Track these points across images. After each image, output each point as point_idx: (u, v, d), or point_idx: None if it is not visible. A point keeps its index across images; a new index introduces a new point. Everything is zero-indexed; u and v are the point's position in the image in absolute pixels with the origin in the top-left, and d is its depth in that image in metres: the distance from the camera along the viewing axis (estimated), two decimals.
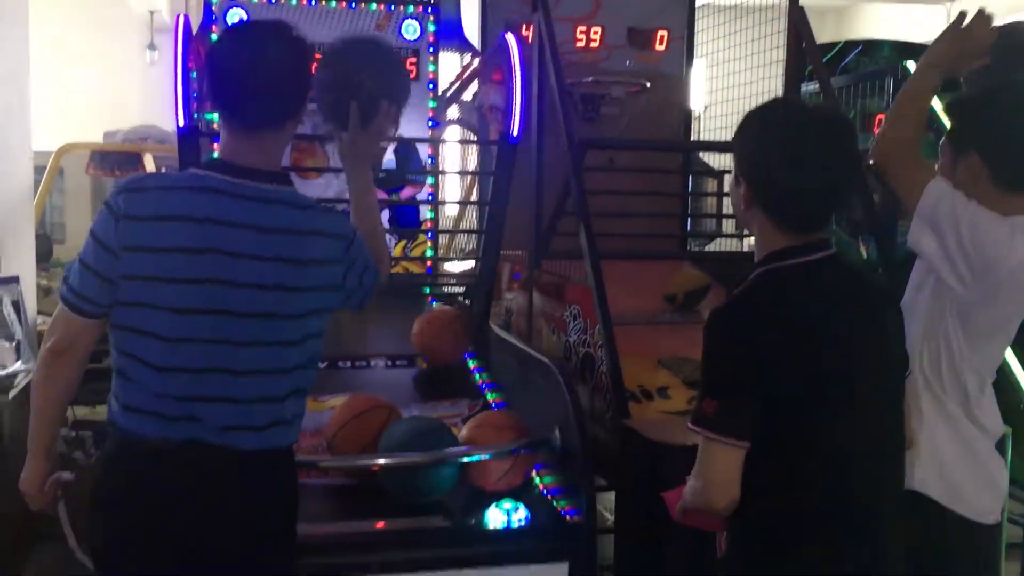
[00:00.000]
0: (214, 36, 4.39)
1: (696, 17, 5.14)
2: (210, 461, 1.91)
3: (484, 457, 2.70)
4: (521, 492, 2.75)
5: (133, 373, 1.91)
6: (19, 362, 4.13)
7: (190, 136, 3.17)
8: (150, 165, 6.11)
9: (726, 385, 1.73)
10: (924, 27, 13.27)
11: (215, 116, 4.40)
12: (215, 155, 2.06)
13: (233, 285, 1.89)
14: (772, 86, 4.49)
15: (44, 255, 5.86)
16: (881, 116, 4.51)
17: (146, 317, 1.89)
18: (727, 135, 4.92)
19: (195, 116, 3.78)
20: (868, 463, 1.79)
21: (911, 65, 4.15)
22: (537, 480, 2.94)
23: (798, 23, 4.09)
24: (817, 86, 4.20)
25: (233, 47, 1.98)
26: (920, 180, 2.12)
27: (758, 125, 1.83)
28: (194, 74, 3.65)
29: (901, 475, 1.91)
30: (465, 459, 2.71)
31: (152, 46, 12.12)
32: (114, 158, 6.34)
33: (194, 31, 4.08)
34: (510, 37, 3.57)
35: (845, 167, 1.78)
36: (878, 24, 14.18)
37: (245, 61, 1.92)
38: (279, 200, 1.94)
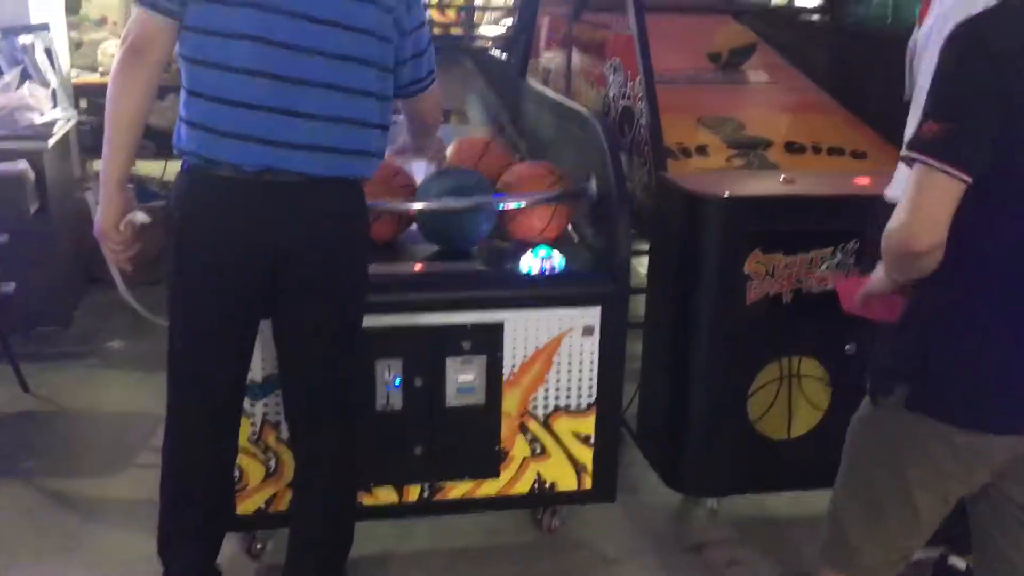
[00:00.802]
0: None
1: None
2: (288, 190, 1.96)
3: (520, 204, 2.71)
4: (557, 241, 2.78)
5: (215, 86, 1.91)
6: (57, 109, 4.13)
7: None
8: None
9: (960, 107, 1.52)
10: None
11: None
12: None
13: (316, 21, 1.91)
14: None
15: (73, 6, 5.72)
16: None
17: (227, 18, 1.89)
18: None
19: None
20: None
21: None
22: (573, 231, 2.97)
23: None
24: None
25: None
26: None
27: None
28: None
29: None
30: (501, 206, 2.72)
31: None
32: None
33: None
34: None
35: None
36: None
37: None
38: None
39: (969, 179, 1.50)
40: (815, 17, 4.24)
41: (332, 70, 1.95)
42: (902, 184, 1.63)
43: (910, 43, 2.20)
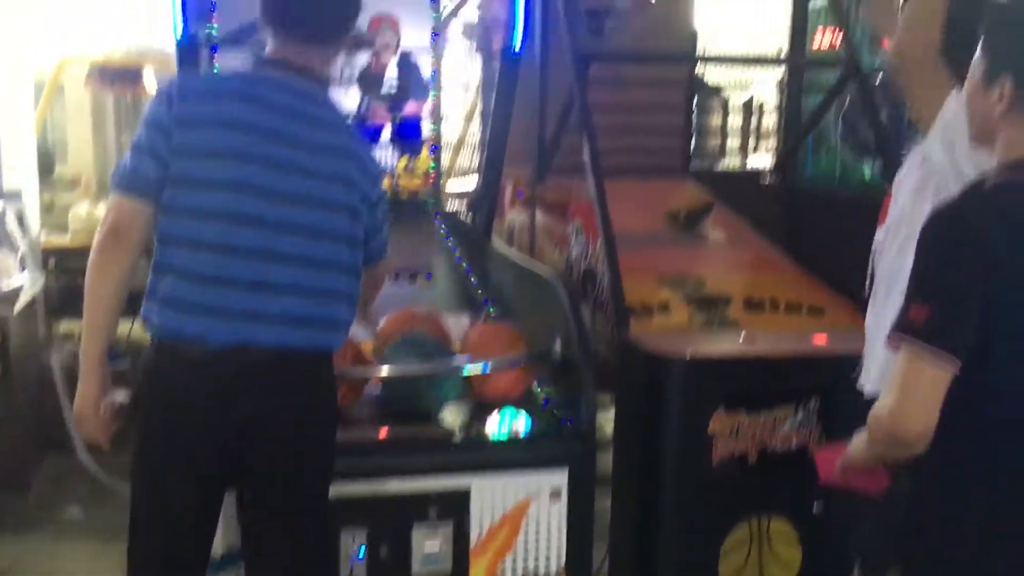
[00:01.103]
0: None
1: None
2: (259, 363, 1.97)
3: (485, 368, 2.73)
4: (522, 402, 2.79)
5: (186, 262, 1.94)
6: (24, 273, 4.15)
7: (189, 48, 3.13)
8: (151, 79, 6.04)
9: (946, 289, 1.50)
10: None
11: (215, 28, 4.34)
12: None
13: (282, 167, 1.96)
14: (780, 7, 4.40)
15: (45, 170, 5.84)
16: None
17: (199, 196, 1.94)
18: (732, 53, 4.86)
19: (194, 28, 3.73)
20: None
21: None
22: (538, 390, 2.98)
23: None
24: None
25: None
26: (934, 98, 2.04)
27: None
28: None
29: None
30: (466, 370, 2.74)
31: None
32: (114, 73, 6.26)
33: None
34: None
35: None
36: None
37: None
38: (324, 100, 2.08)
39: (959, 364, 1.48)
40: (767, 180, 4.42)
41: (304, 245, 1.99)
42: (881, 373, 1.63)
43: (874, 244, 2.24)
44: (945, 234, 1.53)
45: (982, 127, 1.66)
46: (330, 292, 2.05)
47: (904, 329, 1.51)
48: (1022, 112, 1.57)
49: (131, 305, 2.04)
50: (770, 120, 5.16)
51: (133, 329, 4.95)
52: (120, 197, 1.96)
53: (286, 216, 1.97)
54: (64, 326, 4.77)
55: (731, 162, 5.21)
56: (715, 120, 5.78)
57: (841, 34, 3.85)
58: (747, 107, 5.76)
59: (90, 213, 5.44)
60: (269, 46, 2.06)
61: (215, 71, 2.19)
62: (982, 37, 1.63)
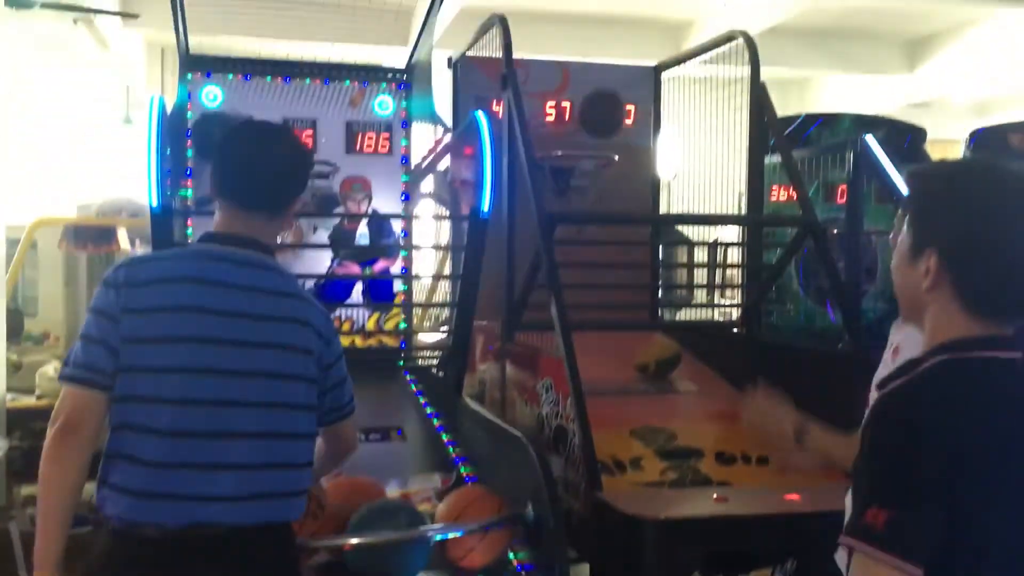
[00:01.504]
0: (189, 115, 4.45)
1: (663, 91, 5.28)
2: (215, 544, 1.92)
3: (457, 535, 2.70)
4: (496, 568, 2.74)
5: (138, 448, 1.91)
6: None
7: (163, 215, 3.20)
8: (123, 239, 6.12)
9: (904, 490, 1.37)
10: (884, 97, 13.67)
11: (189, 192, 4.46)
12: (212, 229, 2.15)
13: (236, 344, 1.96)
14: (739, 158, 4.59)
15: (15, 329, 5.82)
16: (843, 187, 4.63)
17: (151, 382, 1.92)
18: (695, 205, 5.03)
19: (168, 194, 3.82)
20: None
21: (870, 139, 4.28)
22: (512, 555, 2.93)
23: (760, 98, 4.22)
24: (779, 158, 4.32)
25: (245, 142, 2.17)
26: None
27: (963, 188, 1.50)
28: (168, 151, 3.71)
29: None
30: (438, 537, 2.70)
31: (128, 119, 12.19)
32: (88, 232, 6.33)
33: (168, 109, 4.14)
34: (480, 115, 3.66)
35: None
36: (840, 94, 14.56)
37: (255, 153, 2.11)
38: (272, 267, 2.10)
39: (920, 573, 1.35)
40: (734, 330, 4.50)
41: (261, 419, 1.98)
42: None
43: None
44: (897, 428, 1.42)
45: (910, 303, 1.56)
46: (287, 463, 2.02)
47: (860, 535, 1.38)
48: (949, 288, 1.47)
49: (91, 466, 2.01)
50: (735, 258, 5.29)
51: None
52: (73, 389, 1.94)
53: (240, 393, 1.95)
54: (26, 490, 4.65)
55: (698, 313, 5.29)
56: (682, 266, 5.91)
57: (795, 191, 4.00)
58: (712, 248, 5.89)
59: (58, 369, 5.39)
60: (216, 216, 2.11)
61: (163, 253, 2.22)
62: (907, 209, 1.56)
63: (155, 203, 3.19)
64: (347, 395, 2.21)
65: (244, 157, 2.11)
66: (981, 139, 5.84)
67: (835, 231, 4.58)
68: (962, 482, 1.37)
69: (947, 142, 11.22)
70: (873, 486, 1.40)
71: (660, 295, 4.99)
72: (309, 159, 2.27)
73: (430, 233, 4.95)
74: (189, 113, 4.47)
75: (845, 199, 4.49)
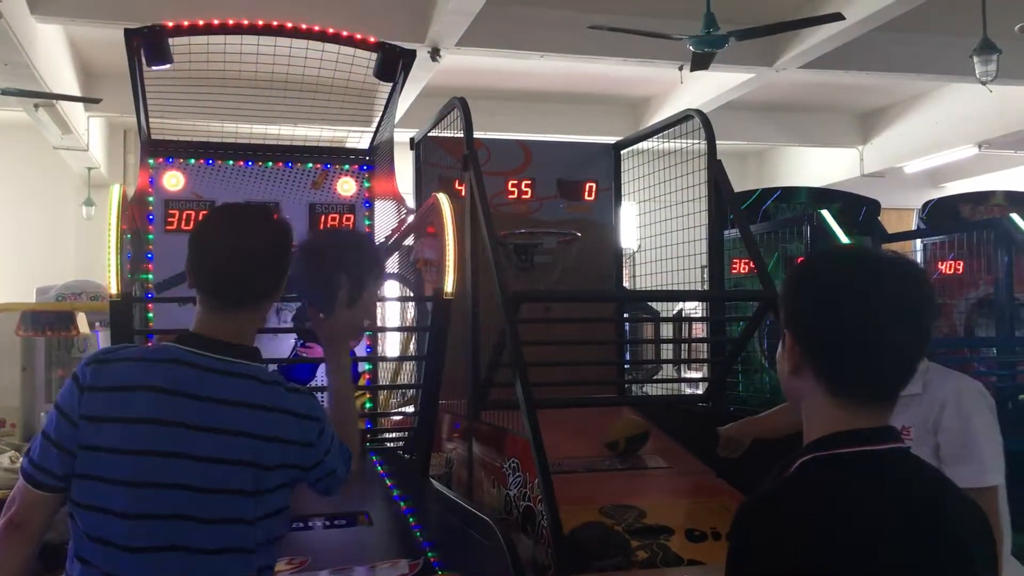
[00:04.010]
0: (151, 199, 4.44)
1: (623, 167, 5.37)
2: None
3: None
4: None
5: (92, 555, 1.85)
6: None
7: (123, 304, 3.17)
8: (83, 324, 6.04)
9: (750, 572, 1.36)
10: (841, 167, 14.02)
11: (151, 276, 4.42)
12: (192, 328, 2.02)
13: (193, 458, 1.86)
14: (700, 232, 4.66)
15: None
16: (800, 259, 4.70)
17: (103, 492, 1.85)
18: (659, 279, 5.07)
19: (129, 278, 3.79)
20: None
21: (825, 213, 4.38)
22: None
23: (717, 175, 4.30)
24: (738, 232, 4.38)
25: (220, 229, 2.04)
26: None
27: (817, 274, 1.46)
28: (128, 237, 3.68)
29: None
30: None
31: (89, 202, 12.17)
32: (46, 317, 6.26)
33: (130, 195, 4.13)
34: (441, 197, 3.69)
35: (927, 325, 1.42)
36: (798, 165, 14.92)
37: (231, 241, 1.98)
38: (246, 374, 1.94)
39: None
40: (700, 404, 4.50)
41: (210, 535, 1.87)
42: None
43: None
44: (747, 540, 1.39)
45: (788, 395, 1.50)
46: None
47: None
48: (810, 373, 1.42)
49: (53, 560, 1.95)
50: (700, 332, 5.33)
51: None
52: (26, 485, 1.90)
53: (193, 507, 1.86)
54: None
55: (665, 388, 5.30)
56: (647, 342, 5.94)
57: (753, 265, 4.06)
58: (677, 322, 5.94)
59: (14, 459, 5.28)
60: (197, 311, 1.99)
61: (133, 352, 2.08)
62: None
63: (115, 290, 3.16)
64: (337, 478, 2.07)
65: (222, 250, 1.99)
66: (933, 209, 5.99)
67: None
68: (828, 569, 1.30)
69: (902, 211, 11.51)
70: (731, 563, 1.37)
71: (627, 370, 4.99)
72: (289, 241, 2.08)
73: (396, 313, 4.93)
74: (151, 198, 4.46)
75: None
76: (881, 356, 1.37)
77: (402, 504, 3.84)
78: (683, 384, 5.06)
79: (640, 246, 5.79)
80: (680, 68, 8.49)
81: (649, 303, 6.40)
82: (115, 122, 12.28)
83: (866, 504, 1.34)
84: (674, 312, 6.44)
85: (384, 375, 5.03)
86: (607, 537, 3.20)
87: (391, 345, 5.06)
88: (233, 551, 1.89)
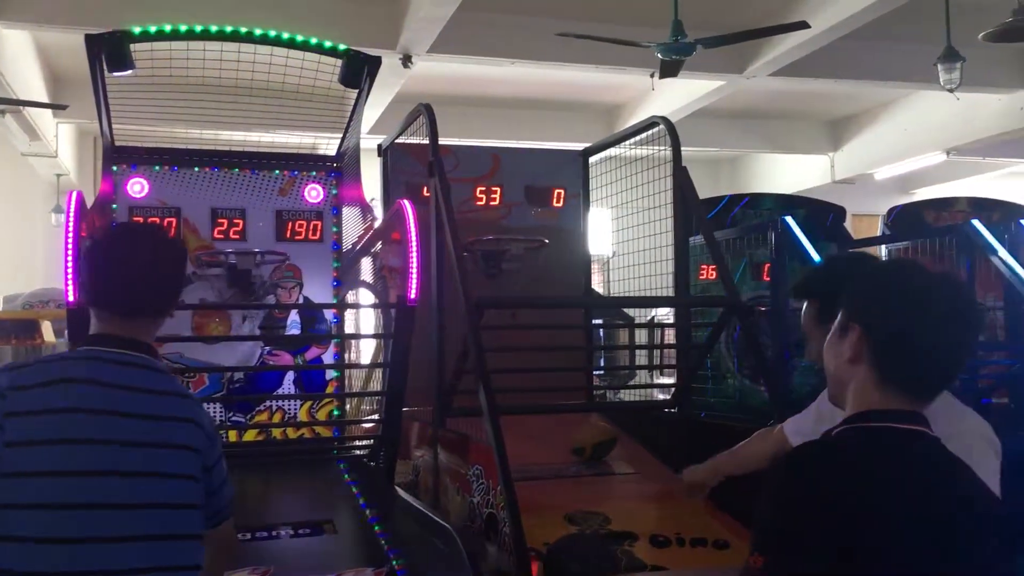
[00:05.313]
0: (115, 206, 4.40)
1: (591, 174, 5.38)
2: None
3: None
4: None
5: (12, 555, 1.84)
6: None
7: (79, 310, 3.13)
8: (48, 331, 5.98)
9: (782, 541, 1.49)
10: (811, 174, 14.13)
11: None
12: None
13: (113, 444, 1.91)
14: (668, 240, 4.66)
15: None
16: (767, 265, 4.74)
17: (27, 487, 1.86)
18: (632, 284, 5.08)
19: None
20: None
21: (789, 220, 4.41)
22: None
23: (682, 182, 4.32)
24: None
25: (114, 244, 2.14)
26: None
27: (892, 277, 1.69)
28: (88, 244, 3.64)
29: None
30: None
31: (58, 208, 12.05)
32: (10, 326, 6.19)
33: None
34: (405, 203, 3.68)
35: (974, 338, 1.66)
36: (769, 172, 15.02)
37: (123, 257, 2.07)
38: (150, 367, 2.05)
39: None
40: (668, 410, 4.51)
41: (137, 520, 1.92)
42: None
43: None
44: (788, 482, 1.55)
45: (836, 380, 1.68)
46: (173, 566, 1.95)
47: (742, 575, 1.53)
48: (866, 361, 1.60)
49: None
50: (671, 338, 5.33)
51: None
52: None
53: (118, 494, 1.90)
54: None
55: (634, 394, 5.31)
56: (615, 348, 5.95)
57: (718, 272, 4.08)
58: (650, 328, 5.94)
59: None
60: (93, 320, 2.07)
61: (46, 357, 2.19)
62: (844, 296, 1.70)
63: (71, 298, 3.13)
64: (226, 498, 2.17)
65: (115, 264, 2.08)
66: (899, 216, 6.04)
67: (763, 308, 4.66)
68: (846, 542, 1.44)
69: (873, 216, 11.60)
70: (758, 532, 1.54)
71: (600, 377, 5.00)
72: (180, 256, 2.24)
73: (369, 321, 4.92)
74: (115, 205, 4.42)
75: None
76: (930, 357, 1.58)
77: (368, 512, 3.83)
78: (655, 390, 5.06)
79: (615, 252, 5.80)
80: (652, 75, 8.53)
81: (624, 309, 6.42)
82: (85, 129, 12.17)
83: (889, 473, 1.50)
84: (648, 318, 6.46)
85: (357, 383, 5.01)
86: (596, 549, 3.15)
87: (365, 354, 5.04)
88: (161, 538, 1.92)
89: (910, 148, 12.48)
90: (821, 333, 2.13)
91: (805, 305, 2.32)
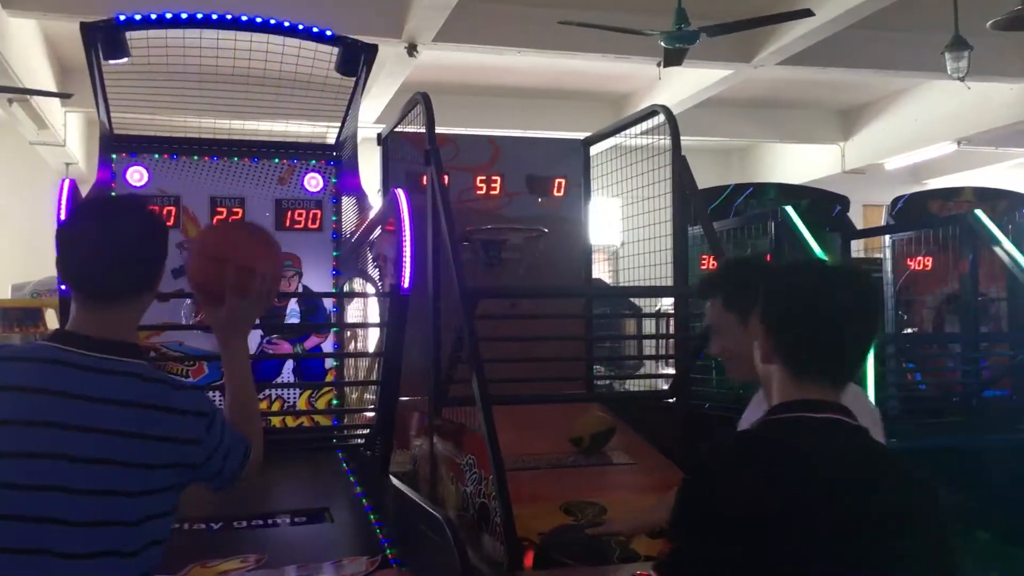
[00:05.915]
0: (113, 194, 4.40)
1: (593, 163, 5.35)
2: None
3: None
4: None
5: None
6: None
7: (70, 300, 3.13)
8: (51, 319, 6.01)
9: (688, 528, 1.60)
10: (822, 164, 14.04)
11: None
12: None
13: (67, 459, 1.78)
14: (667, 230, 4.63)
15: None
16: (768, 256, 4.70)
17: None
18: (640, 273, 5.06)
19: None
20: None
21: (789, 209, 4.37)
22: None
23: (680, 171, 4.29)
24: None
25: (83, 220, 1.99)
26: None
27: (788, 276, 1.81)
28: None
29: None
30: None
31: None
32: (15, 314, 6.21)
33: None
34: (399, 192, 3.66)
35: (873, 326, 1.73)
36: (780, 161, 14.93)
37: (93, 232, 1.91)
38: (127, 372, 1.87)
39: None
40: (667, 399, 4.50)
41: (86, 539, 1.80)
42: None
43: None
44: (699, 479, 1.64)
45: (762, 379, 1.79)
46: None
47: (655, 562, 1.69)
48: (778, 360, 1.68)
49: None
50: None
51: None
52: None
53: (63, 509, 1.78)
54: None
55: (635, 383, 5.29)
56: (614, 337, 5.93)
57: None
58: (646, 314, 5.92)
59: None
60: (72, 309, 1.92)
61: (5, 351, 1.99)
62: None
63: (62, 288, 3.13)
64: (231, 470, 2.01)
65: (86, 240, 1.91)
66: (904, 206, 5.99)
67: None
68: (753, 528, 1.52)
69: (882, 207, 11.52)
70: (671, 520, 1.66)
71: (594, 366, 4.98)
72: (159, 231, 2.01)
73: (374, 310, 4.90)
74: (113, 193, 4.42)
75: None
76: (833, 351, 1.66)
77: (364, 501, 3.83)
78: (657, 380, 5.04)
79: (623, 241, 5.77)
80: (658, 64, 8.48)
81: (631, 299, 6.39)
82: (94, 117, 12.08)
83: (792, 461, 1.57)
84: (656, 309, 6.44)
85: (362, 374, 5.01)
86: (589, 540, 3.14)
87: (371, 344, 5.04)
88: (110, 554, 1.82)
89: (921, 138, 12.38)
90: (727, 323, 2.22)
91: (708, 304, 2.33)
